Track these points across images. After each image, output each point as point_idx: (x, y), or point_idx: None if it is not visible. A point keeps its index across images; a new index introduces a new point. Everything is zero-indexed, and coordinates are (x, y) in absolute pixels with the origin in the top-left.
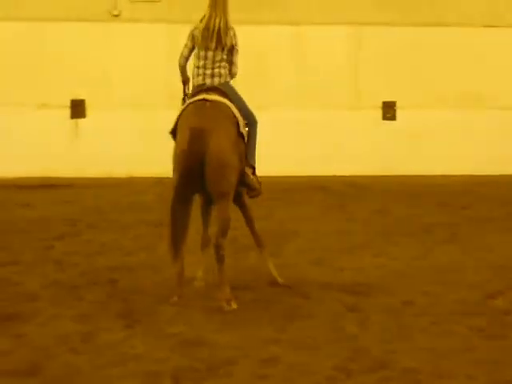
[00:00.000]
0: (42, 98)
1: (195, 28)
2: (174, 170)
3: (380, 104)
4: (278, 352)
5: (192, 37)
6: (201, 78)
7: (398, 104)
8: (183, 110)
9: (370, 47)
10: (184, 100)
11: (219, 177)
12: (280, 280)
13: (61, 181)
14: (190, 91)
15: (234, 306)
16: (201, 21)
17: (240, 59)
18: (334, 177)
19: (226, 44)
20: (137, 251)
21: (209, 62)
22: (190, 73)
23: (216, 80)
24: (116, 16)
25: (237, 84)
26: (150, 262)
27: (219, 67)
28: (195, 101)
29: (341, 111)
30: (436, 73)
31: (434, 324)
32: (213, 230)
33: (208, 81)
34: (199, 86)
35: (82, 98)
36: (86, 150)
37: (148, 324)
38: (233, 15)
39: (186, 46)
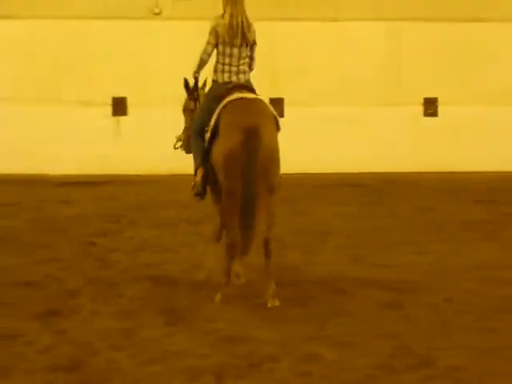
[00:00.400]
0: (84, 95)
1: (217, 25)
2: (223, 173)
3: (421, 100)
4: (318, 349)
5: (215, 34)
6: (227, 75)
7: (439, 100)
8: (222, 109)
9: (411, 43)
10: (193, 95)
11: (272, 173)
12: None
13: (102, 178)
14: (207, 87)
15: (277, 302)
16: (222, 17)
17: (280, 56)
18: (374, 173)
19: (249, 40)
20: (177, 248)
21: (234, 59)
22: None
23: (241, 77)
24: (157, 14)
25: (277, 81)
26: (191, 259)
27: (244, 64)
28: (233, 100)
29: (382, 108)
30: (477, 68)
31: (476, 321)
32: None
33: (234, 78)
34: (225, 83)
35: (123, 95)
36: (128, 147)
37: (189, 320)
38: (272, 12)
39: (209, 42)
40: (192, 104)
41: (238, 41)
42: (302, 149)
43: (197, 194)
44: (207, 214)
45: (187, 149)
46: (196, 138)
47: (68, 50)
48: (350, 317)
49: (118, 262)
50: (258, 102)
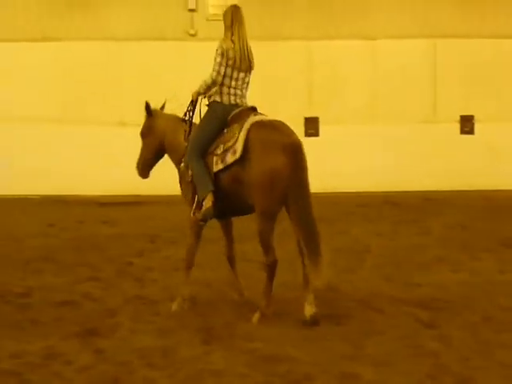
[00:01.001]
0: (119, 116)
1: (228, 48)
2: (265, 194)
3: (458, 118)
4: (355, 368)
5: (227, 56)
6: (233, 97)
7: (476, 118)
8: (252, 129)
9: (447, 60)
10: (187, 115)
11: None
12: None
13: (140, 198)
14: (213, 109)
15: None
16: (231, 40)
17: (316, 75)
18: (410, 192)
19: (253, 66)
20: (215, 267)
21: (239, 83)
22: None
23: (244, 101)
24: (192, 35)
25: (313, 99)
26: (227, 278)
27: (245, 88)
28: (260, 120)
29: (417, 125)
30: None
31: None
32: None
33: (239, 101)
34: (232, 105)
35: None
36: (164, 167)
37: (226, 339)
38: (310, 31)
39: (221, 64)
40: (181, 126)
41: (245, 65)
42: (338, 167)
43: (203, 220)
44: (241, 234)
45: (142, 172)
46: (198, 161)
47: (101, 72)
48: (387, 335)
49: (155, 281)
50: (284, 123)
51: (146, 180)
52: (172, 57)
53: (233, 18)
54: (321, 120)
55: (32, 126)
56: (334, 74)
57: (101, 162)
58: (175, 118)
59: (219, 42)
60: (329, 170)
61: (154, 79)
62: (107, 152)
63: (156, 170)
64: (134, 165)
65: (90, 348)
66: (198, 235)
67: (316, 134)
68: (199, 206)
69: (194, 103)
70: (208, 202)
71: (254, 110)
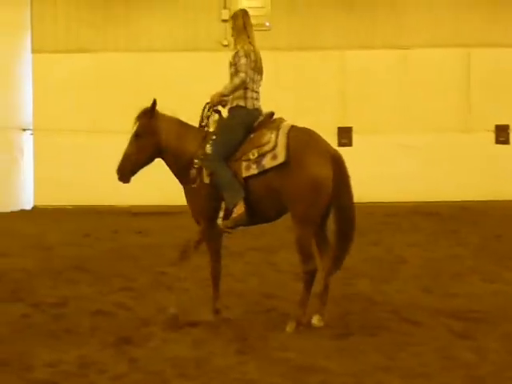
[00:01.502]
0: None
1: (249, 50)
2: (310, 201)
3: (493, 127)
4: (390, 379)
5: (250, 59)
6: (255, 102)
7: (511, 127)
8: (291, 137)
9: (481, 69)
10: (203, 121)
11: None
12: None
13: (174, 208)
14: (238, 115)
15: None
16: (248, 43)
17: (349, 85)
18: (445, 202)
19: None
20: (247, 277)
21: (257, 85)
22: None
23: (260, 104)
24: (226, 46)
25: (346, 109)
26: (260, 289)
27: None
28: (295, 126)
29: (452, 134)
30: None
31: None
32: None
33: (258, 105)
34: (254, 110)
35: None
36: None
37: (260, 350)
38: (343, 40)
39: (247, 65)
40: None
41: (261, 68)
42: (372, 177)
43: (233, 228)
44: (270, 244)
45: (125, 177)
46: (225, 167)
47: (137, 83)
48: (422, 347)
49: (189, 290)
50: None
51: (178, 190)
52: (205, 67)
53: (245, 22)
54: (354, 130)
55: (68, 137)
56: (367, 83)
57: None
58: (179, 121)
59: (237, 45)
60: (362, 179)
61: (187, 90)
62: None
63: None
64: (115, 169)
65: (123, 357)
66: (217, 251)
67: (349, 144)
68: (228, 213)
69: (213, 107)
70: (240, 209)
71: (273, 115)
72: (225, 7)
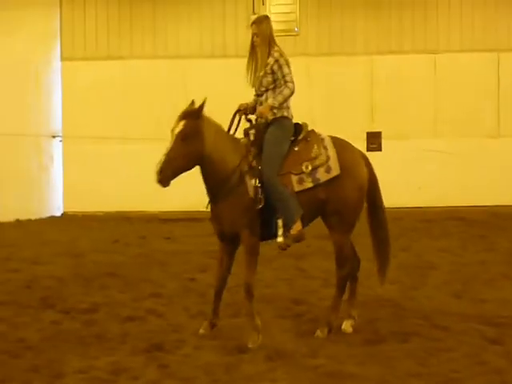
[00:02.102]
0: None
1: (287, 58)
2: (356, 208)
3: None
4: None
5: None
6: (290, 110)
7: None
8: (335, 146)
9: (511, 73)
10: (250, 135)
11: None
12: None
13: (202, 214)
14: (286, 126)
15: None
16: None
17: (378, 89)
18: (475, 207)
19: None
20: (277, 283)
21: None
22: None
23: None
24: None
25: (375, 114)
26: (289, 294)
27: None
28: (331, 138)
29: (481, 139)
30: None
31: None
32: None
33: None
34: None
35: None
36: None
37: (289, 356)
38: (372, 45)
39: (292, 74)
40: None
41: None
42: (402, 182)
43: (289, 245)
44: (299, 250)
45: (165, 180)
46: (280, 183)
47: (165, 89)
48: (452, 353)
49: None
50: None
51: (205, 195)
52: (234, 74)
53: (270, 27)
54: (383, 134)
55: (97, 144)
56: (396, 88)
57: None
58: (221, 128)
59: (277, 51)
60: (391, 184)
61: (216, 96)
62: None
63: None
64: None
65: (155, 363)
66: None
67: (379, 149)
68: (287, 229)
69: (246, 117)
70: (299, 226)
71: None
72: (253, 13)
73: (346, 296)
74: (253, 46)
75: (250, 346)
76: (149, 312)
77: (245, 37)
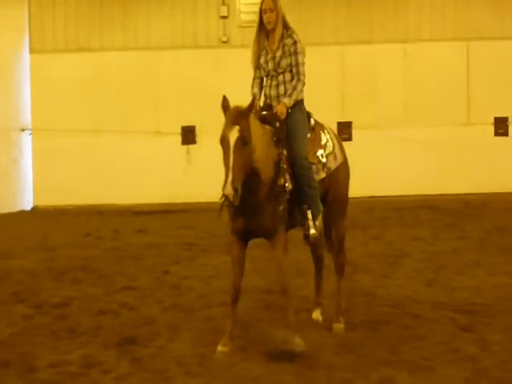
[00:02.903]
0: (153, 125)
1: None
2: (348, 193)
3: (492, 120)
4: (393, 374)
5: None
6: None
7: (510, 119)
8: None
9: (480, 62)
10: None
11: None
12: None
13: (175, 206)
14: (304, 111)
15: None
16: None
17: (348, 79)
18: (447, 195)
19: None
20: (249, 274)
21: None
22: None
23: None
24: (225, 42)
25: (345, 104)
26: (262, 285)
27: None
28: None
29: (451, 128)
30: None
31: None
32: None
33: None
34: None
35: (192, 124)
36: (198, 175)
37: (263, 346)
38: (342, 35)
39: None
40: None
41: None
42: (373, 172)
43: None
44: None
45: (237, 197)
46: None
47: (136, 81)
48: (424, 341)
49: (192, 289)
50: None
51: (178, 188)
52: (205, 64)
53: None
54: (354, 124)
55: (67, 137)
56: (366, 77)
57: (136, 171)
58: (259, 122)
59: (295, 36)
60: (362, 174)
61: (188, 87)
62: (143, 161)
63: (187, 178)
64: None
65: (127, 356)
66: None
67: (349, 139)
68: (312, 226)
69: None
70: (320, 222)
71: None
72: (223, 4)
73: (313, 285)
74: (261, 23)
75: (297, 350)
76: (121, 305)
77: (215, 27)
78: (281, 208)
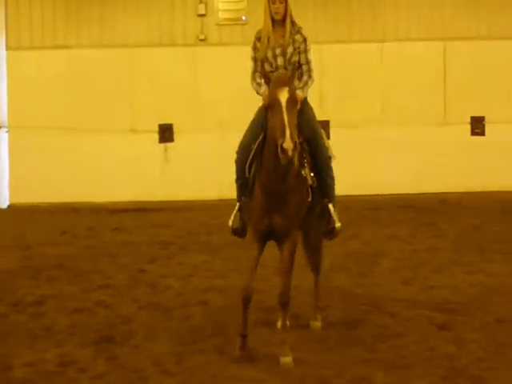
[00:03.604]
0: (131, 123)
1: None
2: None
3: (468, 119)
4: (370, 372)
5: None
6: None
7: (486, 119)
8: None
9: (457, 62)
10: None
11: None
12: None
13: (152, 204)
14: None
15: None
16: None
17: (327, 78)
18: (424, 194)
19: None
20: (227, 273)
21: None
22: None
23: None
24: (202, 40)
25: (323, 103)
26: (240, 284)
27: None
28: None
29: (429, 127)
30: None
31: None
32: None
33: None
34: None
35: (169, 122)
36: (176, 173)
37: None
38: (320, 34)
39: None
40: None
41: None
42: (350, 170)
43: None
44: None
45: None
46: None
47: (113, 79)
48: (401, 339)
49: (169, 287)
50: None
51: (155, 186)
52: (183, 62)
53: None
54: (332, 123)
55: (44, 134)
56: (344, 77)
57: (112, 169)
58: None
59: (304, 32)
60: (339, 173)
61: (165, 85)
62: (119, 159)
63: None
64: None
65: (104, 355)
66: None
67: (327, 138)
68: (337, 219)
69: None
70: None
71: None
72: (201, 1)
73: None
74: (268, 13)
75: (284, 361)
76: (97, 304)
77: (192, 25)
78: (309, 200)
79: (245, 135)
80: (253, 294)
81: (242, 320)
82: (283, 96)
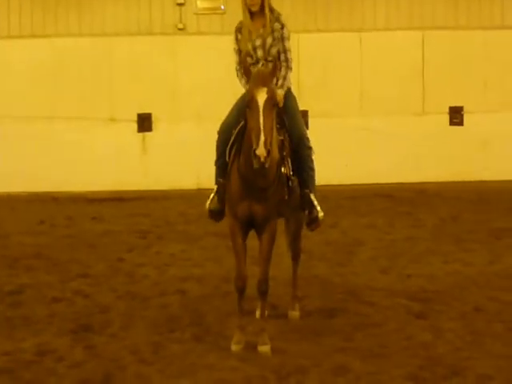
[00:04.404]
0: (109, 112)
1: None
2: None
3: (447, 109)
4: (348, 361)
5: None
6: None
7: (465, 109)
8: None
9: (435, 52)
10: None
11: None
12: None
13: (130, 194)
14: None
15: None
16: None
17: (304, 68)
18: (401, 184)
19: None
20: (205, 262)
21: None
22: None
23: None
24: (181, 29)
25: (301, 92)
26: (218, 273)
27: None
28: None
29: (407, 117)
30: (504, 76)
31: (507, 330)
32: None
33: None
34: None
35: (148, 111)
36: (154, 163)
37: (217, 333)
38: (297, 24)
39: None
40: None
41: None
42: (329, 160)
43: None
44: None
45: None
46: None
47: (91, 68)
48: (379, 328)
49: (147, 276)
50: None
51: (133, 176)
52: (161, 51)
53: None
54: (310, 113)
55: (22, 123)
56: (322, 66)
57: (90, 158)
58: None
59: (282, 19)
60: (318, 162)
61: (143, 74)
62: (98, 148)
63: (143, 166)
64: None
65: (81, 344)
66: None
67: (306, 127)
68: (320, 209)
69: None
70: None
71: None
72: None
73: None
74: (245, 3)
75: (262, 350)
76: (76, 293)
77: (171, 14)
78: (286, 197)
79: (227, 116)
80: (247, 282)
81: (239, 310)
82: (261, 97)
